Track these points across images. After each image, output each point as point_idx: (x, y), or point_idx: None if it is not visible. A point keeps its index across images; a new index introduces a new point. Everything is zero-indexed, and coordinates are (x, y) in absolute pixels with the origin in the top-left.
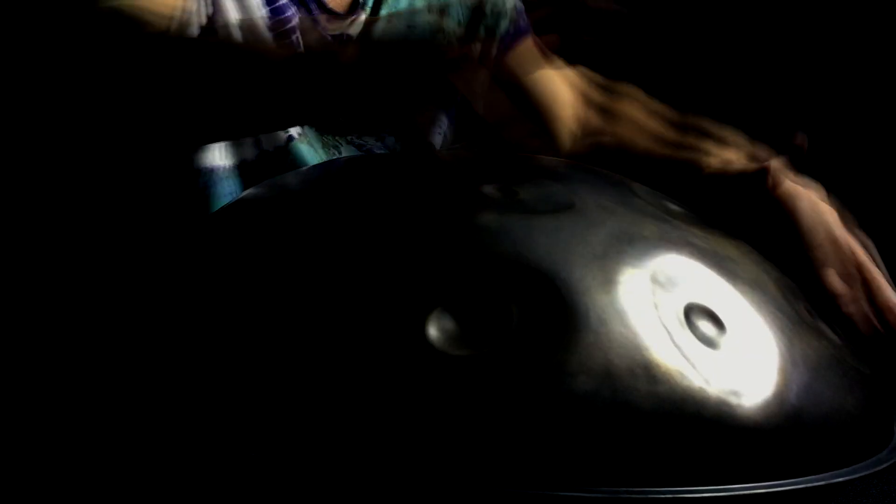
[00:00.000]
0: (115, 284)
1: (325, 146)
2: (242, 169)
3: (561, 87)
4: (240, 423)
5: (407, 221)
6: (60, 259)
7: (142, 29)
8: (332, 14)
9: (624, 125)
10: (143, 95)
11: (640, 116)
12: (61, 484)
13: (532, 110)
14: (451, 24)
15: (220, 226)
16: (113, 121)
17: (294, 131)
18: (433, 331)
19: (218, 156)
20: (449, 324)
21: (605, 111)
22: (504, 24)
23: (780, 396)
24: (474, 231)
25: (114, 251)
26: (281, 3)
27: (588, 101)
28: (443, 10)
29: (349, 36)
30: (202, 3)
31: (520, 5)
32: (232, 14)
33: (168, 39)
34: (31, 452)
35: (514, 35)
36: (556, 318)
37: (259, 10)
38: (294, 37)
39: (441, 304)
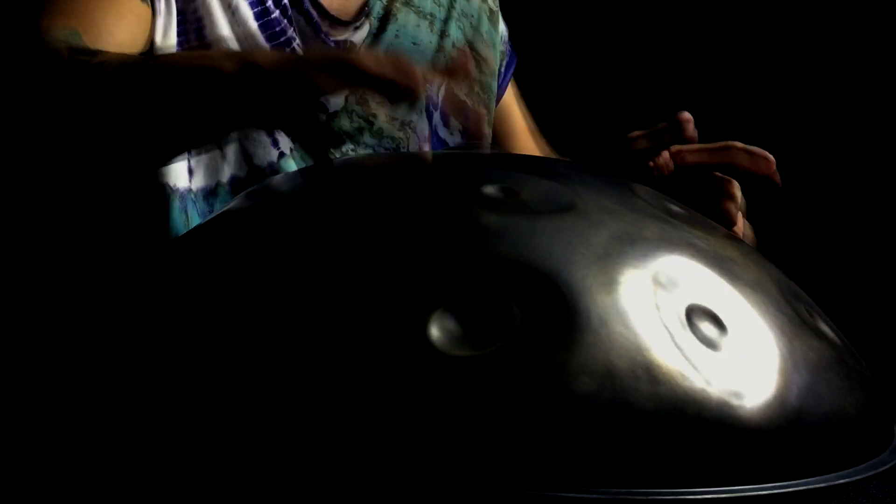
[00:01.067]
0: (116, 290)
1: None
2: (234, 186)
3: (524, 131)
4: (241, 423)
5: (408, 222)
6: (59, 266)
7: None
8: (334, 21)
9: None
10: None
11: None
12: (61, 484)
13: (496, 135)
14: (448, 44)
15: (218, 229)
16: (78, 148)
17: (285, 147)
18: (435, 331)
19: (186, 178)
20: (451, 324)
21: None
22: (498, 56)
23: (780, 398)
24: (476, 232)
25: (104, 267)
26: (273, 16)
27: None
28: (443, 32)
29: (352, 43)
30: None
31: (506, 33)
32: (224, 30)
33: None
34: (31, 452)
35: (507, 69)
36: (557, 318)
37: (252, 23)
38: (287, 50)
39: (443, 304)
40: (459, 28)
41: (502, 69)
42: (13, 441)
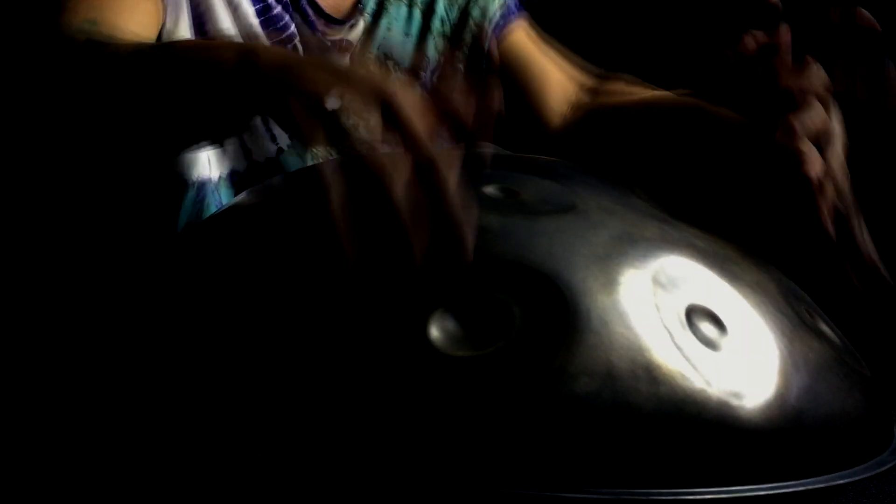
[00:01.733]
0: (116, 290)
1: (315, 156)
2: (233, 180)
3: (551, 70)
4: (242, 424)
5: None
6: (62, 265)
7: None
8: (330, 20)
9: (612, 96)
10: (114, 108)
11: (626, 88)
12: (61, 484)
13: (523, 91)
14: (435, 22)
15: (218, 229)
16: (91, 136)
17: (283, 143)
18: (435, 332)
19: (207, 167)
20: (451, 325)
21: (595, 92)
22: (493, 9)
23: (780, 398)
24: (476, 232)
25: (112, 260)
26: (275, 12)
27: (580, 85)
28: (429, 11)
29: (348, 42)
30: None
31: None
32: (226, 23)
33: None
34: (31, 452)
35: (506, 17)
36: (557, 319)
37: (253, 19)
38: (290, 46)
39: (443, 304)
40: None
41: (500, 15)
42: (14, 440)
